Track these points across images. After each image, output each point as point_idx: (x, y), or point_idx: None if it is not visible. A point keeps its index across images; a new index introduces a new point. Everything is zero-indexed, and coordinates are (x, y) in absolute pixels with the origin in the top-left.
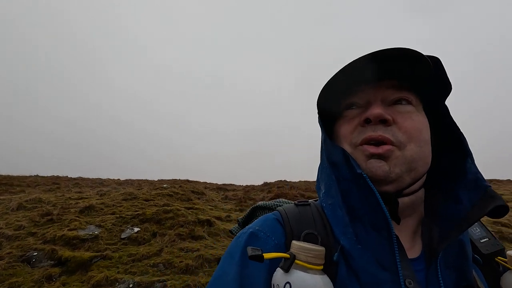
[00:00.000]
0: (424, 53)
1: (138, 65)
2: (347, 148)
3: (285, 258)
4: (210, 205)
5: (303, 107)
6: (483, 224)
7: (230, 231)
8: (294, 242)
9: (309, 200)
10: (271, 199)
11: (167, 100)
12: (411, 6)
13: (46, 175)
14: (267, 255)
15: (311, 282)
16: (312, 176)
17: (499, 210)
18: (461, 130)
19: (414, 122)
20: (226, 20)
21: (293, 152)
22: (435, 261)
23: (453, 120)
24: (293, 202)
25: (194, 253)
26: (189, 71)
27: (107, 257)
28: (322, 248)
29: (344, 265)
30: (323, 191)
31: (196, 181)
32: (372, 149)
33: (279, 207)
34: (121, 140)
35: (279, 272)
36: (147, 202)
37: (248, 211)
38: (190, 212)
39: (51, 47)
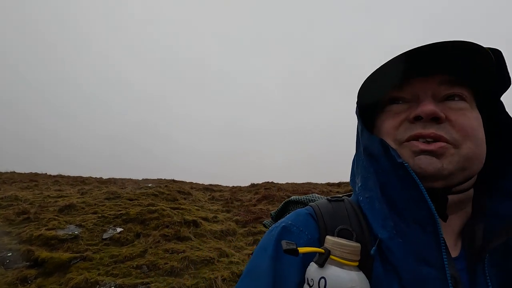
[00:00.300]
0: (484, 45)
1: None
2: (391, 144)
3: (320, 253)
4: (196, 206)
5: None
6: None
7: (264, 224)
8: (328, 237)
9: (343, 196)
10: (258, 200)
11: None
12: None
13: (23, 172)
14: (301, 249)
15: (347, 278)
16: (298, 179)
17: None
18: None
19: (469, 119)
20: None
21: (283, 154)
22: (482, 260)
23: (510, 116)
24: (326, 197)
25: (179, 254)
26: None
27: (87, 258)
28: (357, 244)
29: (380, 261)
30: (359, 184)
31: (182, 181)
32: (423, 146)
33: (311, 203)
34: (104, 138)
35: (313, 266)
36: (131, 202)
37: (281, 205)
38: (176, 213)
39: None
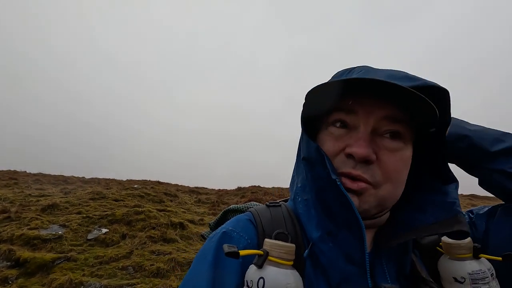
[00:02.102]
0: (422, 75)
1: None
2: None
3: (259, 255)
4: (183, 208)
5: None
6: None
7: (202, 236)
8: (266, 240)
9: (279, 201)
10: (244, 203)
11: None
12: (377, 16)
13: (1, 169)
14: (242, 252)
15: (283, 277)
16: (285, 183)
17: (460, 234)
18: (449, 165)
19: (397, 162)
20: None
21: (271, 158)
22: (383, 255)
23: (444, 152)
24: (265, 204)
25: (165, 256)
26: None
27: (71, 258)
28: (292, 245)
29: (311, 262)
30: (299, 185)
31: (168, 183)
32: (348, 184)
33: (251, 208)
34: (84, 136)
35: (252, 268)
36: (116, 203)
37: (219, 214)
38: (162, 214)
39: None
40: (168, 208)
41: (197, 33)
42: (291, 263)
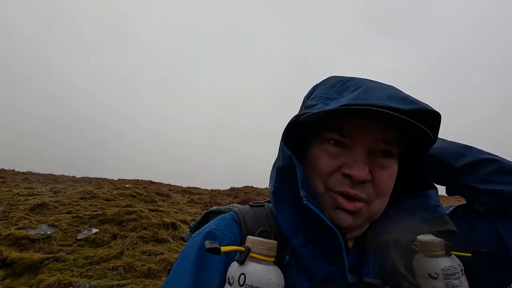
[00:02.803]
0: (415, 95)
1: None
2: (320, 187)
3: (240, 252)
4: (175, 208)
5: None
6: None
7: (182, 238)
8: (248, 236)
9: (263, 202)
10: (237, 204)
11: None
12: (372, 26)
13: None
14: (224, 248)
15: (264, 272)
16: None
17: (449, 234)
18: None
19: (388, 179)
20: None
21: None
22: (367, 251)
23: (423, 164)
24: (248, 204)
25: (157, 256)
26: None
27: (60, 259)
28: (274, 242)
29: (295, 263)
30: (273, 190)
31: (160, 183)
32: (345, 204)
33: (235, 208)
34: (76, 127)
35: (234, 265)
36: (107, 202)
37: (201, 216)
38: (154, 214)
39: None
40: (160, 208)
41: (197, 23)
42: (273, 259)
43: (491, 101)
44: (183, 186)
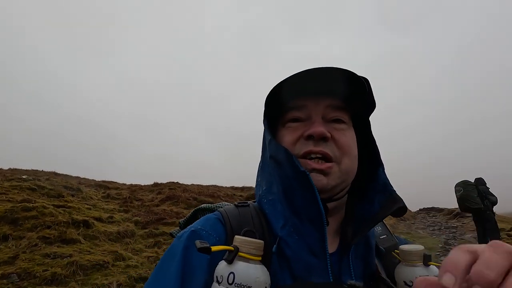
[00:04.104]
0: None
1: None
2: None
3: (229, 251)
4: (87, 204)
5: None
6: (384, 223)
7: (171, 234)
8: (236, 236)
9: (248, 202)
10: (162, 200)
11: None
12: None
13: None
14: (214, 248)
15: (253, 271)
16: (204, 181)
17: (400, 210)
18: (377, 144)
19: (347, 138)
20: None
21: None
22: (347, 253)
23: (372, 135)
24: (234, 203)
25: (64, 259)
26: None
27: None
28: (261, 241)
29: (277, 256)
30: (264, 188)
31: (67, 175)
32: (315, 165)
33: (220, 208)
34: None
35: (222, 264)
36: None
37: (190, 213)
38: (61, 211)
39: None
40: (69, 204)
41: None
42: (260, 258)
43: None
44: (97, 179)
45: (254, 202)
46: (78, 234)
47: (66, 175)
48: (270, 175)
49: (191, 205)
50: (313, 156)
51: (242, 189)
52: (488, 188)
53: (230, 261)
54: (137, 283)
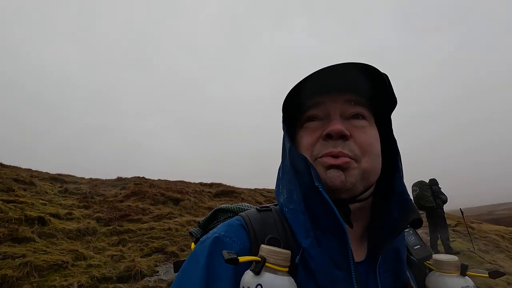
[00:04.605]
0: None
1: None
2: (309, 159)
3: (256, 261)
4: (42, 199)
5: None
6: (416, 232)
7: (190, 233)
8: (263, 246)
9: (270, 205)
10: (126, 196)
11: None
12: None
13: None
14: (241, 258)
15: (281, 283)
16: (171, 176)
17: (417, 222)
18: (398, 146)
19: (367, 136)
20: None
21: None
22: (374, 265)
23: (393, 135)
24: (255, 207)
25: (17, 260)
26: None
27: None
28: (288, 252)
29: (302, 267)
30: (285, 196)
31: (16, 167)
32: (331, 161)
33: (241, 213)
34: None
35: (249, 274)
36: None
37: (210, 213)
38: (11, 207)
39: None
40: (21, 199)
41: None
42: (287, 269)
43: None
44: (51, 172)
45: (275, 205)
46: (32, 232)
47: (15, 166)
48: (290, 183)
49: (159, 201)
50: (331, 155)
51: (211, 185)
52: (440, 188)
53: (257, 272)
54: (100, 284)
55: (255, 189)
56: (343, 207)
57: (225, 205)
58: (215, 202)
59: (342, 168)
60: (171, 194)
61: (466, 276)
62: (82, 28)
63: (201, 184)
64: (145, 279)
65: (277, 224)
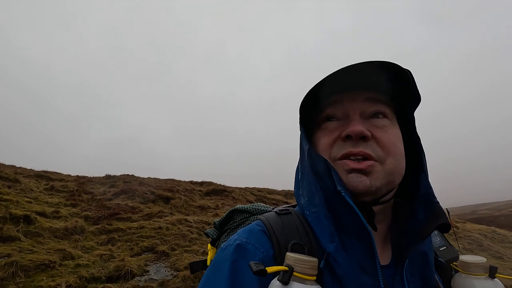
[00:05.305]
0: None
1: None
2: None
3: (284, 271)
4: (28, 197)
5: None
6: (441, 233)
7: (206, 233)
8: (289, 254)
9: (289, 208)
10: (115, 194)
11: None
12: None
13: None
14: (269, 269)
15: None
16: (161, 175)
17: (444, 227)
18: (422, 144)
19: (390, 136)
20: None
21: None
22: (401, 269)
23: (417, 133)
24: (272, 208)
25: (1, 260)
26: None
27: None
28: (315, 259)
29: (329, 273)
30: (306, 199)
31: (0, 163)
32: (353, 164)
33: (260, 216)
34: None
35: (275, 284)
36: None
37: (225, 214)
38: None
39: None
40: (5, 197)
41: None
42: (315, 278)
43: None
44: (36, 169)
45: (294, 207)
46: (17, 231)
47: None
48: (311, 186)
49: (148, 199)
50: (352, 158)
51: (202, 184)
52: None
53: (285, 283)
54: (89, 284)
55: (245, 187)
56: (366, 209)
57: (240, 205)
58: (205, 201)
59: (365, 172)
60: (161, 193)
61: (496, 279)
62: (71, 15)
63: (191, 182)
64: (135, 278)
65: (299, 229)
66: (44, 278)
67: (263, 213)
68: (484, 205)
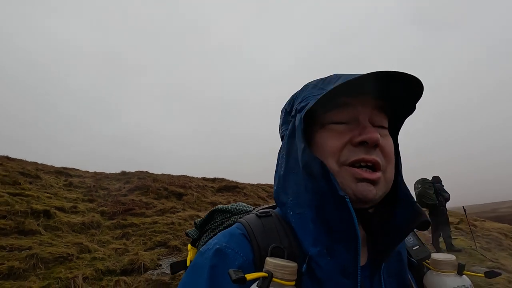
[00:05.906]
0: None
1: None
2: (333, 164)
3: (263, 277)
4: (48, 193)
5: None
6: (415, 233)
7: (187, 234)
8: (268, 259)
9: (270, 210)
10: (130, 190)
11: None
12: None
13: None
14: (248, 276)
15: None
16: (174, 171)
17: (424, 224)
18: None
19: (390, 144)
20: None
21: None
22: (379, 270)
23: (397, 140)
24: (253, 209)
25: (23, 252)
26: None
27: None
28: (295, 264)
29: (308, 276)
30: (291, 199)
31: (22, 160)
32: (366, 174)
33: (241, 219)
34: None
35: None
36: None
37: (206, 214)
38: (18, 200)
39: None
40: (27, 192)
41: None
42: (294, 283)
43: None
44: (56, 166)
45: (274, 208)
46: (38, 225)
47: (21, 160)
48: (297, 186)
49: (162, 195)
50: (362, 164)
51: (214, 180)
52: (443, 186)
53: None
54: (104, 276)
55: (257, 184)
56: (360, 215)
57: (221, 205)
58: (217, 197)
59: (374, 182)
60: (174, 189)
61: (464, 276)
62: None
63: (204, 179)
64: (148, 272)
65: (279, 231)
66: (63, 270)
67: (244, 213)
68: (505, 203)
